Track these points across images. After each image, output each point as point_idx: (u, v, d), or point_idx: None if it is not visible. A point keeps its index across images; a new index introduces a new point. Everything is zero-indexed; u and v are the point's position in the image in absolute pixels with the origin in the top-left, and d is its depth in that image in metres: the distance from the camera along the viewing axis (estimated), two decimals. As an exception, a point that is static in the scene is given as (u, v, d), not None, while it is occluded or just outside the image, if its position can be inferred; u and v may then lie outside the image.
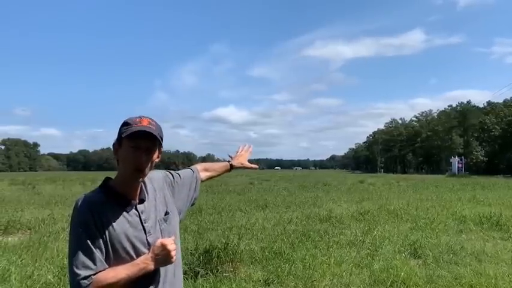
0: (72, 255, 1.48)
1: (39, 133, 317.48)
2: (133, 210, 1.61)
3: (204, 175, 2.10)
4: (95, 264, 1.46)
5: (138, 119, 1.56)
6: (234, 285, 4.88)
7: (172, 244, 1.57)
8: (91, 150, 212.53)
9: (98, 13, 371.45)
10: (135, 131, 1.50)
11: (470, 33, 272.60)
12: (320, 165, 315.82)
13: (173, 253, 1.56)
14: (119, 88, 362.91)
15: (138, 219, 1.60)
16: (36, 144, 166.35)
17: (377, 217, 10.53)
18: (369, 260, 6.03)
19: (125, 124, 1.56)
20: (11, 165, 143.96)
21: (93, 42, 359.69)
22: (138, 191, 1.64)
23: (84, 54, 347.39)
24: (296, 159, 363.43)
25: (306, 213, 11.45)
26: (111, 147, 1.62)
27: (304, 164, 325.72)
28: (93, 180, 38.38)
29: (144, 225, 1.61)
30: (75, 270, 1.45)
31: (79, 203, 1.54)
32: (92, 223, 1.50)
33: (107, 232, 1.52)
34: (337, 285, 4.95)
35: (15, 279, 4.96)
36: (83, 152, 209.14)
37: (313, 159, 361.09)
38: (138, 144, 1.52)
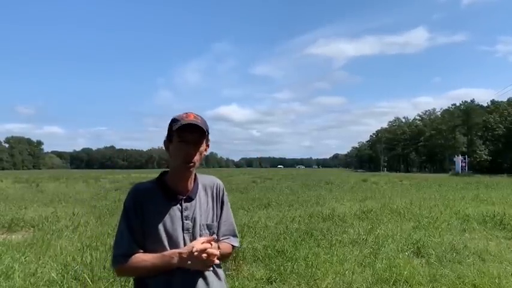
0: (115, 234, 1.67)
1: (42, 131, 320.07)
2: (178, 205, 1.66)
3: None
4: (125, 246, 1.60)
5: (184, 115, 1.64)
6: (236, 284, 4.88)
7: (201, 253, 1.53)
8: (94, 148, 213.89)
9: (101, 11, 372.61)
10: (181, 125, 1.58)
11: (473, 31, 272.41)
12: (323, 163, 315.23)
13: (197, 258, 1.53)
14: (122, 86, 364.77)
15: (179, 214, 1.65)
16: (39, 143, 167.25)
17: (380, 216, 10.50)
18: (372, 259, 6.02)
19: (173, 120, 1.64)
20: (15, 163, 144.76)
21: (96, 40, 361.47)
22: (188, 187, 1.69)
23: (87, 52, 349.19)
24: (299, 157, 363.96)
25: (309, 212, 11.43)
26: (163, 145, 1.72)
27: (307, 163, 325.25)
28: (96, 178, 38.54)
29: (184, 222, 1.65)
30: (113, 248, 1.65)
31: (130, 190, 1.69)
32: (132, 209, 1.63)
33: (145, 219, 1.61)
34: (339, 284, 4.94)
35: (18, 276, 4.98)
36: (86, 150, 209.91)
37: (316, 158, 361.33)
38: (186, 138, 1.60)
